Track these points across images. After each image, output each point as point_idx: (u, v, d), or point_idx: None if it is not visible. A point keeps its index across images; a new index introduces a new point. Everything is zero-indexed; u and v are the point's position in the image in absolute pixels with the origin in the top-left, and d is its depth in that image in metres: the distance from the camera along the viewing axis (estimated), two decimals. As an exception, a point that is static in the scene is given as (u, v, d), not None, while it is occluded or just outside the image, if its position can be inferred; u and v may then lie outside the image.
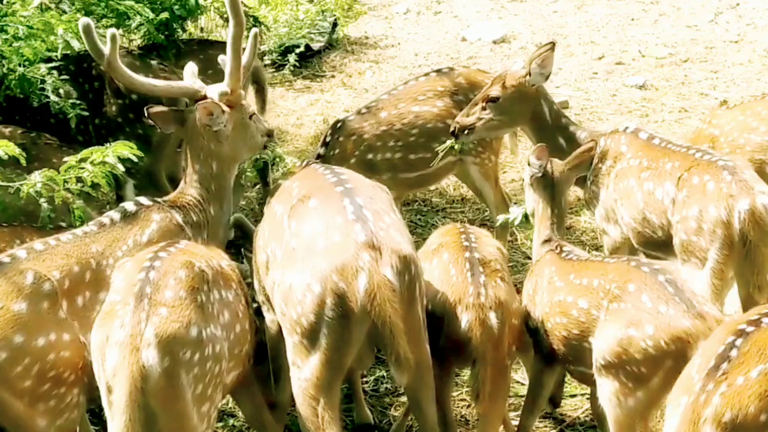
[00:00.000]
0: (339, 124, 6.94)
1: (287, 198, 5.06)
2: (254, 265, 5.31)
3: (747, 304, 5.33)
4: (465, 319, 4.88)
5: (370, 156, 6.84)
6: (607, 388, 4.71)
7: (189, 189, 5.57)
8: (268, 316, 5.26)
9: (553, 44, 6.06)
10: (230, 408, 5.90)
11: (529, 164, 5.57)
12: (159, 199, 5.51)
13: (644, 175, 5.76)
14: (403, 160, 6.89)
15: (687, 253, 5.48)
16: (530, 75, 6.10)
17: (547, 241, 5.44)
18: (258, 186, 8.14)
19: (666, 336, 4.55)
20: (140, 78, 5.75)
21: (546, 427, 5.94)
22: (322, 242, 4.62)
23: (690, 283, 4.84)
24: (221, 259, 4.85)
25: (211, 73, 6.69)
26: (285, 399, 5.33)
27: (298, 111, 10.19)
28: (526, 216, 5.90)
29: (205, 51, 7.48)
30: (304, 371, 4.62)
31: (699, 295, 4.74)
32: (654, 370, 4.56)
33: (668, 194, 5.60)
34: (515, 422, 5.53)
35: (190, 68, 5.88)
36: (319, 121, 9.78)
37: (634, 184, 5.81)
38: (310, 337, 4.57)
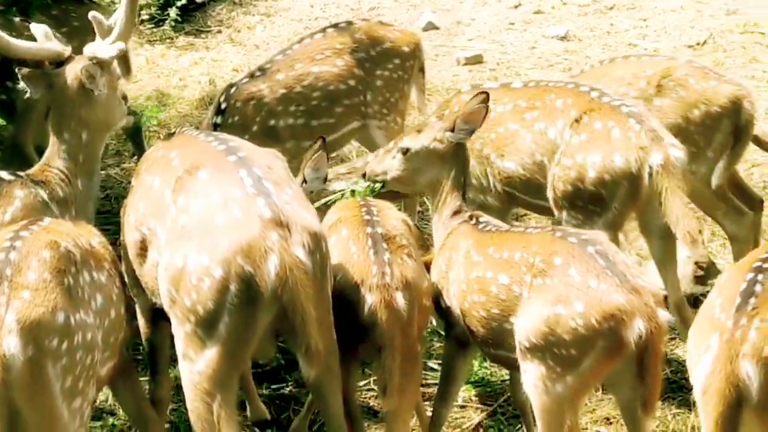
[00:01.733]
0: (233, 89, 6.81)
1: (166, 169, 4.88)
2: (121, 244, 5.16)
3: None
4: (369, 301, 4.76)
5: (272, 122, 6.74)
6: (533, 374, 4.63)
7: (55, 161, 5.51)
8: (138, 303, 5.14)
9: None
10: (110, 405, 5.77)
11: (453, 129, 5.40)
12: (22, 174, 5.43)
13: (530, 116, 5.81)
14: (306, 126, 6.80)
15: (570, 202, 5.55)
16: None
17: (458, 212, 5.33)
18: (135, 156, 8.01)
19: (597, 313, 4.50)
20: (11, 39, 5.65)
21: (464, 417, 5.90)
22: (220, 219, 4.50)
23: (622, 254, 4.81)
24: (91, 237, 4.73)
25: (65, 30, 6.56)
26: (164, 394, 5.26)
27: (180, 71, 9.99)
28: (353, 192, 5.77)
29: (59, 7, 7.32)
30: (197, 364, 4.49)
31: (633, 267, 4.71)
32: (585, 351, 4.51)
33: (561, 134, 5.67)
34: (430, 412, 5.47)
35: (42, 29, 5.73)
36: (205, 83, 9.59)
37: (517, 128, 5.85)
38: (207, 326, 4.44)
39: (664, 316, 4.58)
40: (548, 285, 4.66)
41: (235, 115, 6.70)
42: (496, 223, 5.25)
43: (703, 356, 4.10)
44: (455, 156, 5.38)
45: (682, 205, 5.39)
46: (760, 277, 4.18)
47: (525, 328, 4.67)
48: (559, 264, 4.68)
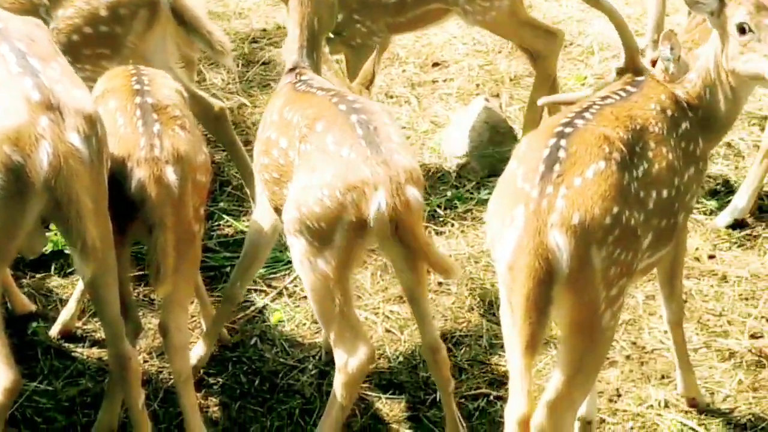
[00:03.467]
0: None
1: None
2: None
3: None
4: (136, 176, 4.66)
5: None
6: (297, 249, 4.67)
7: None
8: None
9: None
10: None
11: None
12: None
13: None
14: None
15: None
16: None
17: (293, 69, 5.23)
18: None
19: (342, 184, 4.53)
20: None
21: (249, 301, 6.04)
22: None
23: (393, 127, 4.82)
24: None
25: None
26: None
27: None
28: None
29: None
30: None
31: (396, 141, 4.71)
32: (333, 224, 4.54)
33: None
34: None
35: None
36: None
37: None
38: None
39: (413, 192, 4.58)
40: (308, 152, 4.71)
41: None
42: (319, 82, 5.14)
43: (507, 230, 4.09)
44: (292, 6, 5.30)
45: None
46: (563, 142, 4.22)
47: (288, 199, 4.72)
48: (320, 130, 4.71)
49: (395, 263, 4.78)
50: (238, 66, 8.08)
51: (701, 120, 4.71)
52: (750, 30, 4.55)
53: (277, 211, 5.04)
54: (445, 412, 4.96)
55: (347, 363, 4.64)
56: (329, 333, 4.72)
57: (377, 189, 4.51)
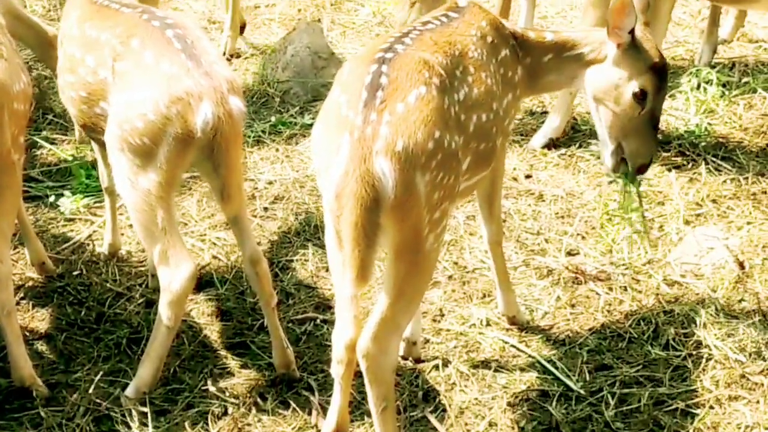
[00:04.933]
0: None
1: None
2: None
3: None
4: (-50, 105, 4.45)
5: None
6: (119, 168, 4.63)
7: None
8: None
9: None
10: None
11: None
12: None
13: None
14: None
15: None
16: None
17: None
18: None
19: (165, 97, 4.50)
20: None
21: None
22: None
23: (206, 41, 4.82)
24: None
25: None
26: None
27: None
28: None
29: None
30: None
31: (213, 53, 4.72)
32: (158, 139, 4.51)
33: None
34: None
35: None
36: None
37: None
38: None
39: (236, 102, 4.60)
40: (125, 70, 4.65)
41: None
42: None
43: (333, 159, 4.08)
44: None
45: None
46: (384, 68, 4.21)
47: (109, 119, 4.67)
48: (136, 47, 4.67)
49: (206, 172, 4.72)
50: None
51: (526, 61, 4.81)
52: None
53: (85, 128, 5.03)
54: (271, 334, 4.94)
55: (171, 281, 4.63)
56: (152, 252, 4.71)
57: (202, 99, 4.49)
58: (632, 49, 4.77)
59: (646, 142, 4.89)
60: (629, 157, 4.91)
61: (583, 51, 4.85)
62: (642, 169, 4.98)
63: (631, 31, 4.73)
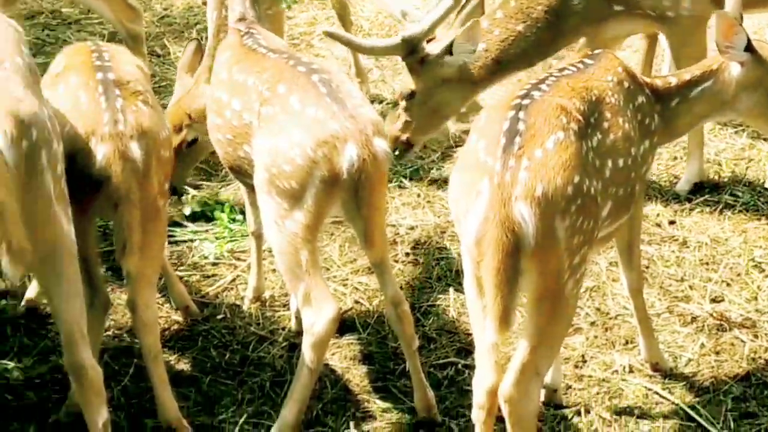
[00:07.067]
0: None
1: None
2: None
3: None
4: (101, 152, 4.56)
5: None
6: (267, 211, 4.67)
7: None
8: None
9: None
10: None
11: None
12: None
13: None
14: None
15: None
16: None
17: (242, 19, 5.23)
18: None
19: (312, 141, 4.53)
20: None
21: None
22: None
23: (351, 84, 4.86)
24: None
25: None
26: None
27: None
28: None
29: None
30: None
31: (357, 96, 4.76)
32: (305, 182, 4.54)
33: None
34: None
35: None
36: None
37: None
38: None
39: (381, 144, 4.61)
40: (272, 114, 4.70)
41: None
42: (269, 40, 5.15)
43: (473, 204, 4.08)
44: None
45: None
46: (521, 114, 4.21)
47: (256, 162, 4.72)
48: (282, 92, 4.72)
49: (348, 214, 4.73)
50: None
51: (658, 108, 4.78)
52: None
53: (232, 170, 5.09)
54: (412, 377, 4.90)
55: (314, 323, 4.62)
56: (296, 294, 4.71)
57: (347, 142, 4.52)
58: (757, 61, 4.72)
59: None
60: None
61: (707, 85, 4.81)
62: None
63: (747, 46, 4.69)
